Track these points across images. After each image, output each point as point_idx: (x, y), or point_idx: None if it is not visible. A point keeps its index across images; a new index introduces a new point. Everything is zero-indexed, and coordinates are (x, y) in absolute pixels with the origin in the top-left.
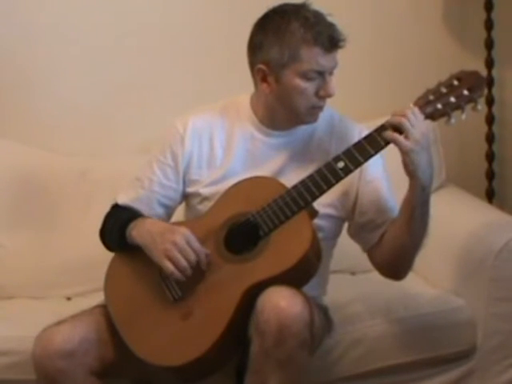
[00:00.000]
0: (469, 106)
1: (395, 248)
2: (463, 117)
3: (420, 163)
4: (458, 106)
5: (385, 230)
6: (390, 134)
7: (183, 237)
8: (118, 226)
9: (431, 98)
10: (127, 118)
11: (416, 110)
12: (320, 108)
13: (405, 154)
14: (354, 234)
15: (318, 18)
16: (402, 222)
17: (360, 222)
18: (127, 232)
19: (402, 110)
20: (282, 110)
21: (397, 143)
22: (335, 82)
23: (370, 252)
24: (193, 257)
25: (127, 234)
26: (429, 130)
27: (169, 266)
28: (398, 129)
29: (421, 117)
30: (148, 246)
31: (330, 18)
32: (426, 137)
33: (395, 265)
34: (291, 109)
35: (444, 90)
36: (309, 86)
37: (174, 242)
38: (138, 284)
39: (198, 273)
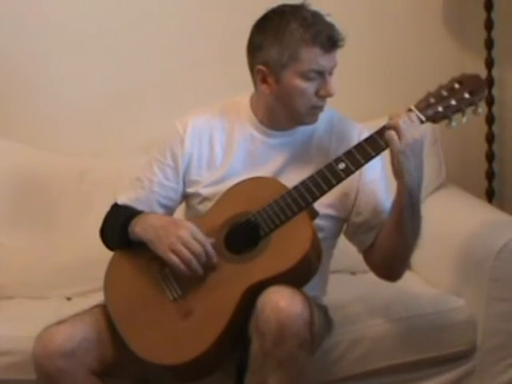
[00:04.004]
0: (469, 110)
1: (387, 249)
2: (464, 120)
3: (407, 167)
4: (459, 109)
5: (378, 232)
6: (388, 132)
7: (187, 230)
8: (119, 223)
9: (432, 100)
10: (127, 118)
11: (413, 114)
12: (320, 108)
13: (394, 154)
14: (351, 236)
15: (317, 17)
16: (391, 224)
17: (355, 222)
18: (130, 229)
19: (398, 112)
20: (282, 111)
21: (390, 142)
22: (334, 82)
23: (365, 253)
24: (198, 249)
25: (130, 231)
26: (423, 137)
27: (174, 259)
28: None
29: (417, 122)
30: (152, 241)
31: (328, 18)
32: (418, 142)
33: (388, 266)
34: (291, 109)
35: (445, 93)
36: (309, 86)
37: (178, 236)
38: (138, 283)
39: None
